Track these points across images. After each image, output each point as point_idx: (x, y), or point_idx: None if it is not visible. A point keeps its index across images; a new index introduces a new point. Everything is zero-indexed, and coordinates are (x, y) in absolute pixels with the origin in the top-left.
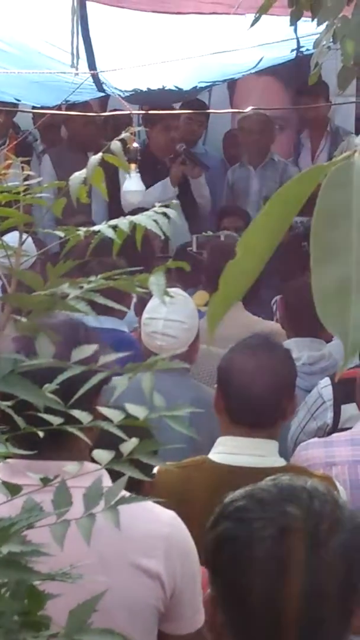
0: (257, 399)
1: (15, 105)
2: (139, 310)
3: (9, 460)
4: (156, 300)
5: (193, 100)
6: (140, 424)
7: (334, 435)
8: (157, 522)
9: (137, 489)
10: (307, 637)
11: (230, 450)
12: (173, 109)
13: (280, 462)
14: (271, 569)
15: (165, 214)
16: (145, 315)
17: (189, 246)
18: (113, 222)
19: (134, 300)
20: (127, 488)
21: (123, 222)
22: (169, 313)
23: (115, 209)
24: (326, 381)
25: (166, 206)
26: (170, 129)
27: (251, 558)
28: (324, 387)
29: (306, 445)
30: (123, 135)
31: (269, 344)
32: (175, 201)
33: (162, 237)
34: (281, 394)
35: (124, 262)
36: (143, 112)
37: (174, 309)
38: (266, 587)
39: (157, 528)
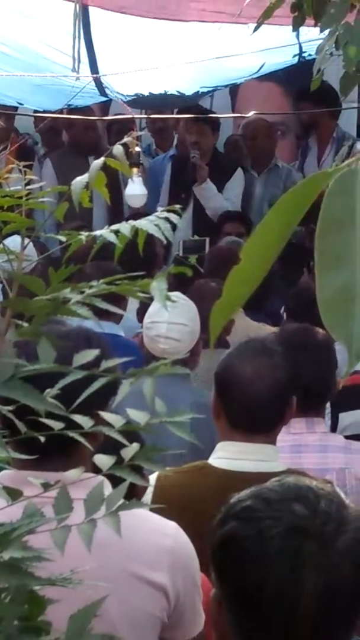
0: (255, 404)
1: (16, 108)
2: (142, 315)
3: (11, 471)
4: (158, 305)
5: (193, 107)
6: (143, 429)
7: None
8: (160, 533)
9: (131, 493)
10: (314, 635)
11: (230, 455)
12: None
13: (280, 466)
14: (278, 568)
15: (167, 219)
16: (147, 319)
17: (176, 253)
18: (115, 226)
19: (137, 305)
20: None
21: (125, 227)
22: (171, 316)
23: (115, 212)
24: None
25: (170, 211)
26: (192, 133)
27: (258, 557)
28: None
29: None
30: (125, 139)
31: (266, 348)
32: (178, 206)
33: (165, 242)
34: (279, 399)
35: (121, 266)
36: (145, 116)
37: (176, 312)
38: (273, 586)
39: (160, 540)
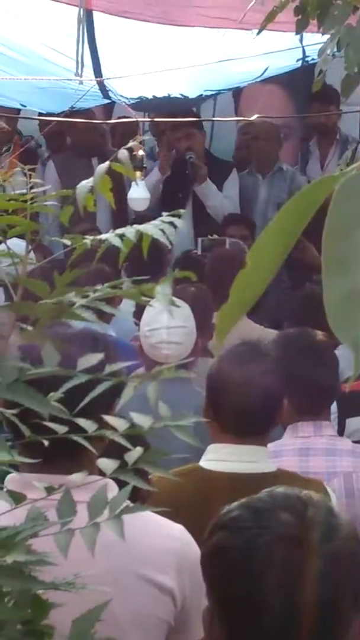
0: (244, 408)
1: (19, 111)
2: (139, 318)
3: (17, 474)
4: (152, 311)
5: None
6: (146, 433)
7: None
8: (166, 536)
9: (135, 497)
10: None
11: (220, 457)
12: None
13: (271, 467)
14: (267, 577)
15: (172, 223)
16: (145, 327)
17: (192, 251)
18: (120, 230)
19: (133, 308)
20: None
21: (130, 231)
22: (169, 321)
23: (119, 216)
24: None
25: (174, 215)
26: (183, 138)
27: (247, 566)
28: None
29: None
30: (131, 144)
31: (257, 352)
32: (183, 210)
33: (170, 247)
34: (269, 402)
35: (128, 270)
36: (149, 119)
37: (173, 316)
38: (262, 595)
39: (167, 542)
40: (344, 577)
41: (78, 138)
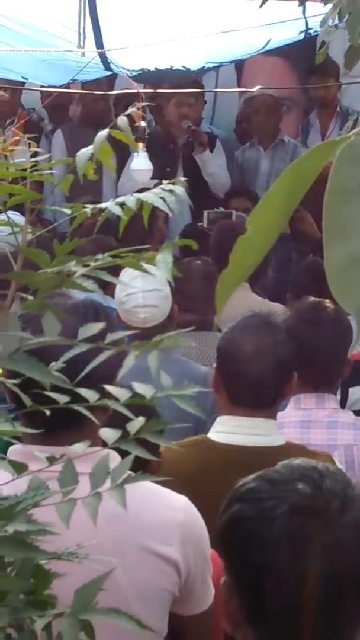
0: (255, 380)
1: (22, 84)
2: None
3: (20, 446)
4: (127, 277)
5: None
6: (147, 402)
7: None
8: (171, 507)
9: (144, 469)
10: (323, 616)
11: (229, 430)
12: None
13: (280, 440)
14: (284, 548)
15: (172, 191)
16: (121, 294)
17: (198, 223)
18: (120, 199)
19: None
20: (134, 469)
21: (130, 200)
22: (144, 284)
23: None
24: None
25: (173, 183)
26: (183, 105)
27: (263, 537)
28: None
29: None
30: (130, 110)
31: (268, 323)
32: (183, 178)
33: (170, 215)
34: (280, 374)
35: (114, 240)
36: (151, 91)
37: (148, 280)
38: (279, 566)
39: (172, 514)
40: None
41: (89, 108)
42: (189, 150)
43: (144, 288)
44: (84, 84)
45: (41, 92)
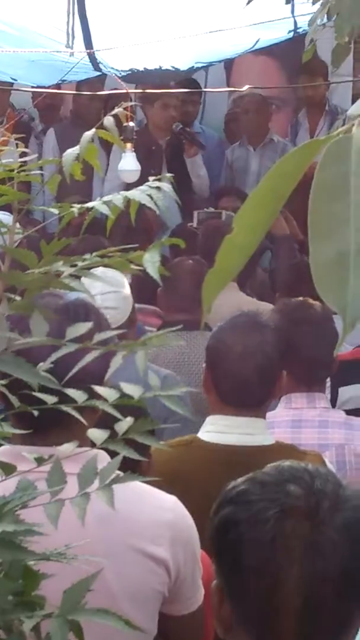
0: (244, 381)
1: (11, 84)
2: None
3: (8, 447)
4: (86, 281)
5: (186, 80)
6: (136, 403)
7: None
8: (160, 507)
9: (134, 469)
10: (317, 617)
11: (219, 429)
12: (170, 88)
13: (269, 440)
14: (275, 550)
15: (159, 188)
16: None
17: (188, 223)
18: (107, 197)
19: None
20: (124, 470)
21: (117, 198)
22: (103, 287)
23: None
24: None
25: (159, 180)
26: (169, 108)
27: (254, 540)
28: None
29: None
30: (116, 110)
31: (257, 323)
32: (169, 175)
33: (157, 212)
34: (269, 375)
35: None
36: (141, 91)
37: (105, 282)
38: (272, 568)
39: (161, 514)
40: (353, 548)
41: (83, 107)
42: (174, 152)
43: (102, 290)
44: (79, 84)
45: (32, 92)
